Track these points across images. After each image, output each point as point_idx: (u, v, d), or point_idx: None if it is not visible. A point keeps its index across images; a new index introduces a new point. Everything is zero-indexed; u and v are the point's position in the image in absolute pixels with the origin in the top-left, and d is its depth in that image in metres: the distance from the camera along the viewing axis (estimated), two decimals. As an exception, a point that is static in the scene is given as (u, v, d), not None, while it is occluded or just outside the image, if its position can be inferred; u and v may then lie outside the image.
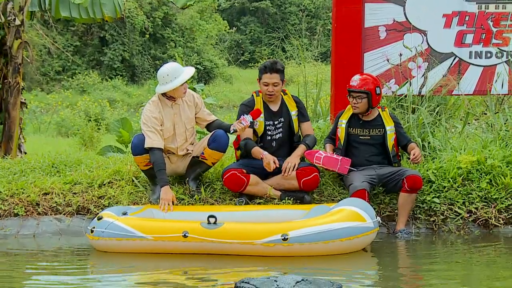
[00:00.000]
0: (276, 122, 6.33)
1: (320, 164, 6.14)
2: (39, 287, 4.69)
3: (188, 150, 6.29)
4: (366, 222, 5.35)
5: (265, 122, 6.28)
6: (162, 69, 6.07)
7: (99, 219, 5.52)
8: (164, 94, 6.12)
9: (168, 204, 5.86)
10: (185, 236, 5.28)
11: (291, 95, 6.44)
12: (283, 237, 5.17)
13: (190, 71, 6.13)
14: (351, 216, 5.33)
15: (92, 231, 5.50)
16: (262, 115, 6.25)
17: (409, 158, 6.35)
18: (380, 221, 5.70)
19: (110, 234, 5.41)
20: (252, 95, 6.41)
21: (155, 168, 5.96)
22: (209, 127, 6.36)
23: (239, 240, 5.26)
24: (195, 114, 6.30)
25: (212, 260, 5.25)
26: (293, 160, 6.16)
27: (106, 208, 6.02)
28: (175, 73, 6.01)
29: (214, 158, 6.25)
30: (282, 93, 6.39)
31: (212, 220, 5.32)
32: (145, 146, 5.98)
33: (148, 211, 5.85)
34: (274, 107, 6.35)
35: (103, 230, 5.44)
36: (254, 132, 6.28)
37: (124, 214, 5.62)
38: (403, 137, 6.35)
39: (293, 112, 6.36)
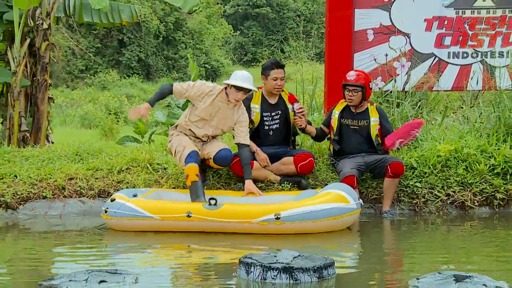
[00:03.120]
0: (273, 114, 6.25)
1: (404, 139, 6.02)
2: (64, 260, 4.70)
3: (208, 139, 6.10)
4: (349, 204, 5.35)
5: (262, 113, 6.20)
6: (237, 71, 5.96)
7: (112, 200, 5.49)
8: (226, 89, 5.93)
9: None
10: (189, 216, 5.27)
11: (288, 92, 6.38)
12: (276, 217, 5.16)
13: (247, 85, 5.81)
14: (336, 198, 5.32)
15: (106, 212, 5.48)
16: (258, 106, 6.20)
17: (398, 149, 6.34)
18: (363, 203, 5.69)
19: (122, 214, 5.39)
20: None
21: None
22: (237, 145, 5.99)
23: (236, 220, 5.25)
24: (234, 125, 6.01)
25: (213, 237, 5.25)
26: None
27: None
28: (235, 76, 5.84)
29: (218, 168, 6.17)
30: None
31: (213, 202, 5.32)
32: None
33: (155, 193, 5.82)
34: (272, 100, 6.27)
35: (116, 210, 5.41)
36: (251, 121, 6.16)
37: (135, 196, 5.60)
38: (385, 129, 6.27)
39: (290, 106, 6.30)
